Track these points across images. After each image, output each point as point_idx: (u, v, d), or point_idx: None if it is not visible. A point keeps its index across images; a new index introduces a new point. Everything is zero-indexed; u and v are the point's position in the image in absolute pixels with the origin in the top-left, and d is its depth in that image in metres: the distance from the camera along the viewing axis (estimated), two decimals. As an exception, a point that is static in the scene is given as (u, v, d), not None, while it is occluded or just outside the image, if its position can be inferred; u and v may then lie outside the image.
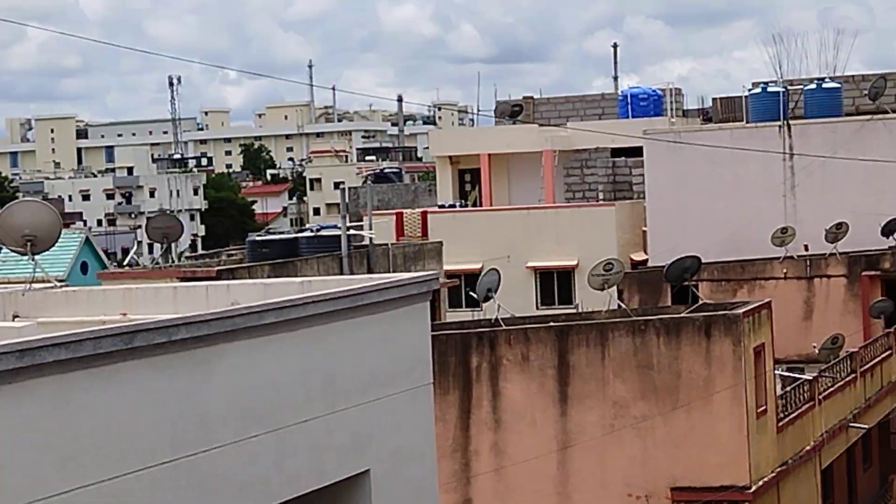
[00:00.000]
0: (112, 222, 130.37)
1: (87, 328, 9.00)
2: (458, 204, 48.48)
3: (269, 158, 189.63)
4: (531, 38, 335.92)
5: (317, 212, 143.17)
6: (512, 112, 51.93)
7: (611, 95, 54.72)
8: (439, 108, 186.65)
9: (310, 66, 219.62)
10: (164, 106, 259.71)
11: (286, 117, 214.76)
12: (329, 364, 11.08)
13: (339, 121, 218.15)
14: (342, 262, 29.98)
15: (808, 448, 27.22)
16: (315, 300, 10.91)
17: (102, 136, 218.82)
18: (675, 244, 36.92)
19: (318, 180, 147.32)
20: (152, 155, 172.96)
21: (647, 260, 41.00)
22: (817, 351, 32.36)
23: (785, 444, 25.94)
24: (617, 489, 24.07)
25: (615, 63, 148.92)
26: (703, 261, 31.75)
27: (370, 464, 11.43)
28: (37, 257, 13.52)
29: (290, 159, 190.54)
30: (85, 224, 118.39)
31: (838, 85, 42.41)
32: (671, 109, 49.43)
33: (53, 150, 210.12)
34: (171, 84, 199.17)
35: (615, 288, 29.44)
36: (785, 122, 40.13)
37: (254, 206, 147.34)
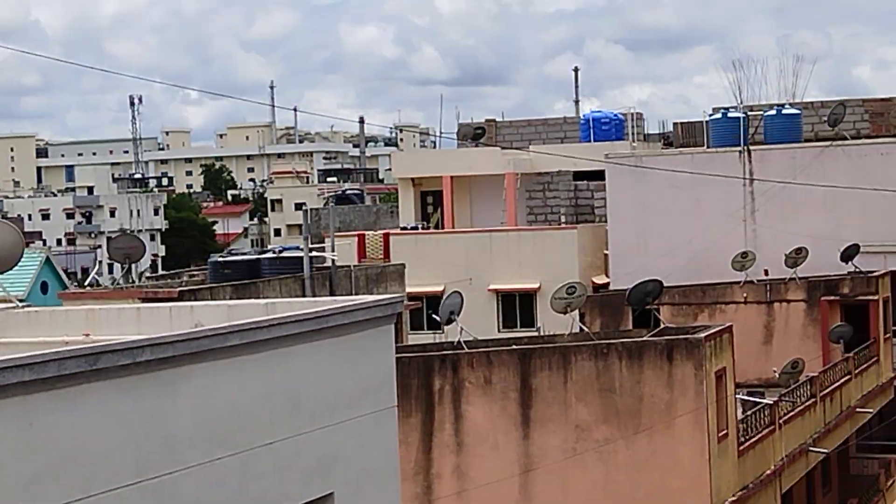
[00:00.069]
0: (72, 242, 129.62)
1: (51, 349, 8.95)
2: (420, 226, 48.49)
3: (230, 179, 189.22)
4: (492, 61, 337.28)
5: (277, 233, 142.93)
6: (474, 135, 52.04)
7: (573, 119, 54.93)
8: (401, 130, 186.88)
9: (271, 87, 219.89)
10: (124, 125, 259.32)
11: (247, 138, 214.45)
12: (294, 386, 11.06)
13: (301, 142, 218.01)
14: (304, 283, 29.91)
15: (768, 472, 27.32)
16: (280, 322, 10.90)
17: (63, 156, 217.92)
18: (637, 268, 37.10)
19: (280, 201, 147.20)
20: (113, 174, 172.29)
21: (608, 283, 41.14)
22: (777, 375, 32.50)
23: (746, 469, 26.02)
24: (578, 512, 24.05)
25: (576, 87, 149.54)
26: (665, 284, 31.88)
27: (335, 486, 11.41)
28: (-1, 277, 13.43)
29: (252, 180, 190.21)
30: (45, 243, 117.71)
31: (798, 111, 42.75)
32: (633, 134, 49.65)
33: (13, 168, 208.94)
34: (132, 103, 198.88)
35: (577, 311, 29.50)
36: (745, 148, 40.41)
37: (214, 227, 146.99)
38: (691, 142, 46.45)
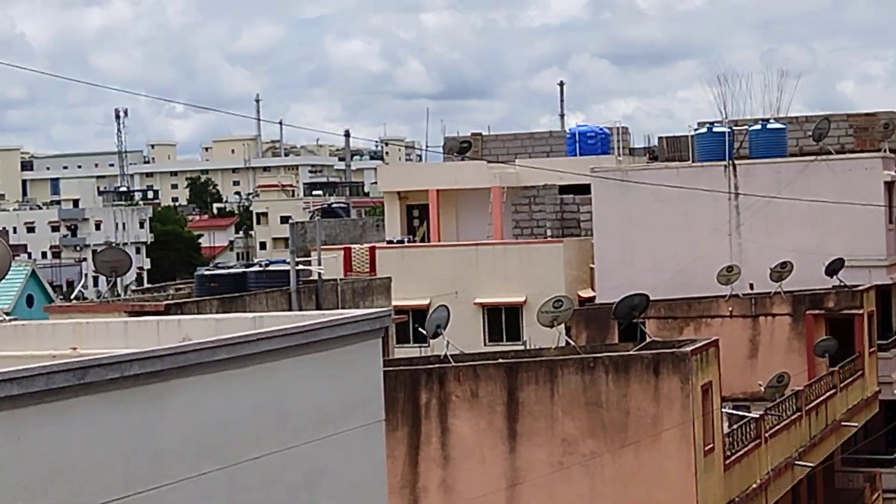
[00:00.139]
0: (57, 255, 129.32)
1: (38, 363, 8.95)
2: (406, 239, 48.51)
3: (216, 192, 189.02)
4: (478, 75, 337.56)
5: (263, 246, 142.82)
6: (460, 148, 52.09)
7: (559, 133, 55.03)
8: (386, 144, 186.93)
9: (257, 101, 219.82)
10: (110, 138, 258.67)
11: (233, 151, 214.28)
12: (281, 400, 11.06)
13: (286, 155, 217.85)
14: (291, 297, 29.90)
15: (754, 486, 27.37)
16: (268, 336, 10.90)
17: (48, 168, 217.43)
18: (623, 281, 37.15)
19: (265, 214, 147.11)
20: (98, 187, 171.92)
21: (594, 297, 41.19)
22: (763, 389, 32.58)
23: (732, 482, 26.07)
24: (564, 526, 24.06)
25: (561, 101, 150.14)
26: (650, 298, 31.93)
27: (322, 500, 11.41)
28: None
29: (237, 193, 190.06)
30: (30, 256, 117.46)
31: (783, 126, 42.89)
32: (618, 148, 49.76)
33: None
34: (117, 117, 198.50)
35: (563, 325, 29.53)
36: (730, 162, 40.52)
37: (200, 240, 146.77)
38: (676, 156, 46.56)
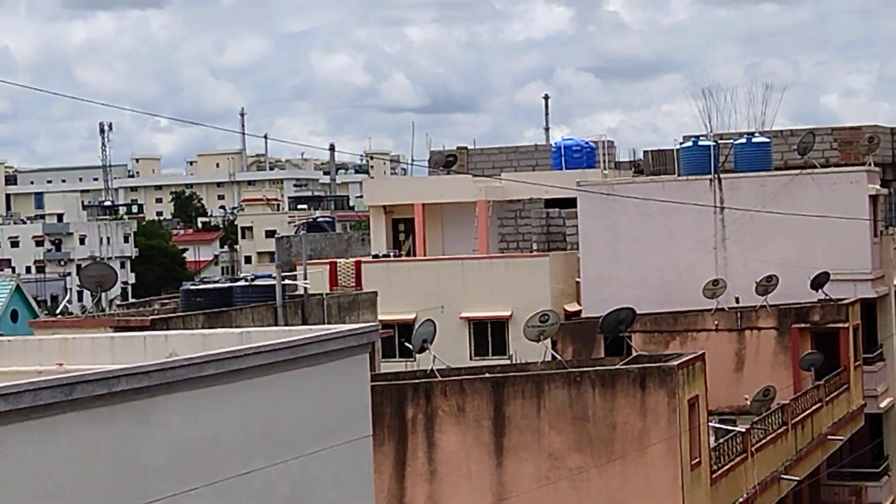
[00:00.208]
0: (41, 269, 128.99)
1: (24, 379, 8.90)
2: (391, 254, 48.47)
3: (201, 206, 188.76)
4: (463, 89, 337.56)
5: (248, 260, 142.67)
6: (446, 162, 52.10)
7: (544, 147, 55.06)
8: (371, 157, 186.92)
9: (242, 114, 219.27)
10: (94, 153, 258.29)
11: (217, 165, 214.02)
12: (269, 416, 11.02)
13: (271, 169, 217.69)
14: (276, 311, 29.84)
15: (741, 500, 27.38)
16: (255, 352, 10.88)
17: (32, 183, 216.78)
18: (608, 295, 37.16)
19: (250, 228, 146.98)
20: (82, 202, 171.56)
21: (580, 311, 41.18)
22: (749, 403, 32.60)
23: (719, 496, 26.06)
24: (551, 541, 24.02)
25: (546, 114, 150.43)
26: (636, 312, 31.93)
27: (310, 517, 11.36)
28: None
29: (222, 207, 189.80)
30: (14, 271, 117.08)
31: (768, 139, 42.98)
32: (604, 161, 49.82)
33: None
34: (101, 130, 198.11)
35: (549, 339, 29.52)
36: (716, 176, 40.59)
37: (185, 254, 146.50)
38: (662, 170, 46.63)
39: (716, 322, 36.75)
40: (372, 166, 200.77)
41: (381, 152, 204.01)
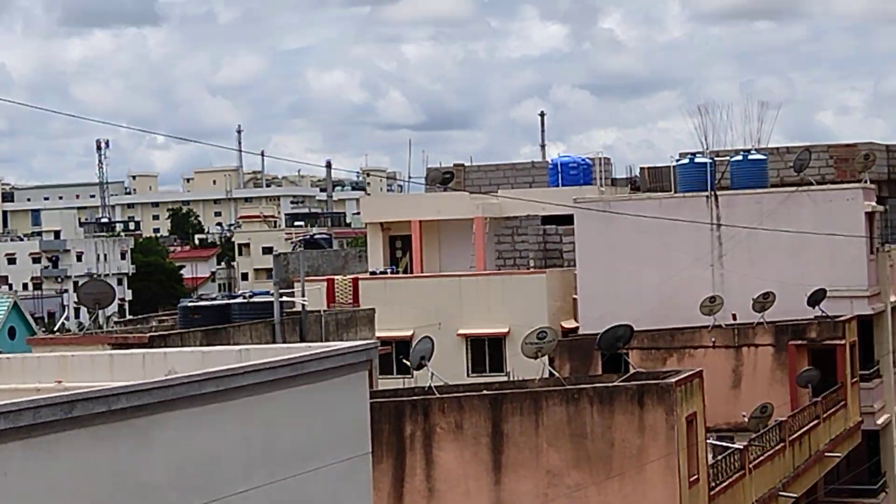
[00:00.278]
0: (38, 286, 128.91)
1: (24, 397, 8.91)
2: (389, 270, 48.49)
3: (198, 223, 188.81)
4: (459, 106, 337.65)
5: (245, 277, 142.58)
6: (443, 179, 52.16)
7: (541, 164, 55.11)
8: (368, 174, 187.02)
9: (238, 132, 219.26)
10: (91, 170, 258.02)
11: (214, 182, 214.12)
12: (268, 434, 11.03)
13: (268, 186, 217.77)
14: (275, 329, 29.83)
15: (738, 517, 27.36)
16: (254, 369, 10.89)
17: (29, 200, 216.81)
18: (606, 312, 37.17)
19: (247, 245, 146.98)
20: (79, 218, 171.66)
21: (577, 328, 41.18)
22: (747, 420, 32.59)
23: (716, 513, 26.05)
24: (549, 558, 23.99)
25: (542, 131, 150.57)
26: (634, 329, 31.95)
27: (309, 534, 11.36)
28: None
29: (219, 224, 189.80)
30: (10, 288, 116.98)
31: (764, 157, 43.05)
32: (601, 178, 49.88)
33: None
34: (98, 148, 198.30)
35: (547, 356, 29.53)
36: (712, 193, 40.65)
37: (182, 271, 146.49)
38: (658, 186, 46.69)
39: (713, 339, 36.75)
40: (369, 183, 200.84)
41: (377, 169, 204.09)
